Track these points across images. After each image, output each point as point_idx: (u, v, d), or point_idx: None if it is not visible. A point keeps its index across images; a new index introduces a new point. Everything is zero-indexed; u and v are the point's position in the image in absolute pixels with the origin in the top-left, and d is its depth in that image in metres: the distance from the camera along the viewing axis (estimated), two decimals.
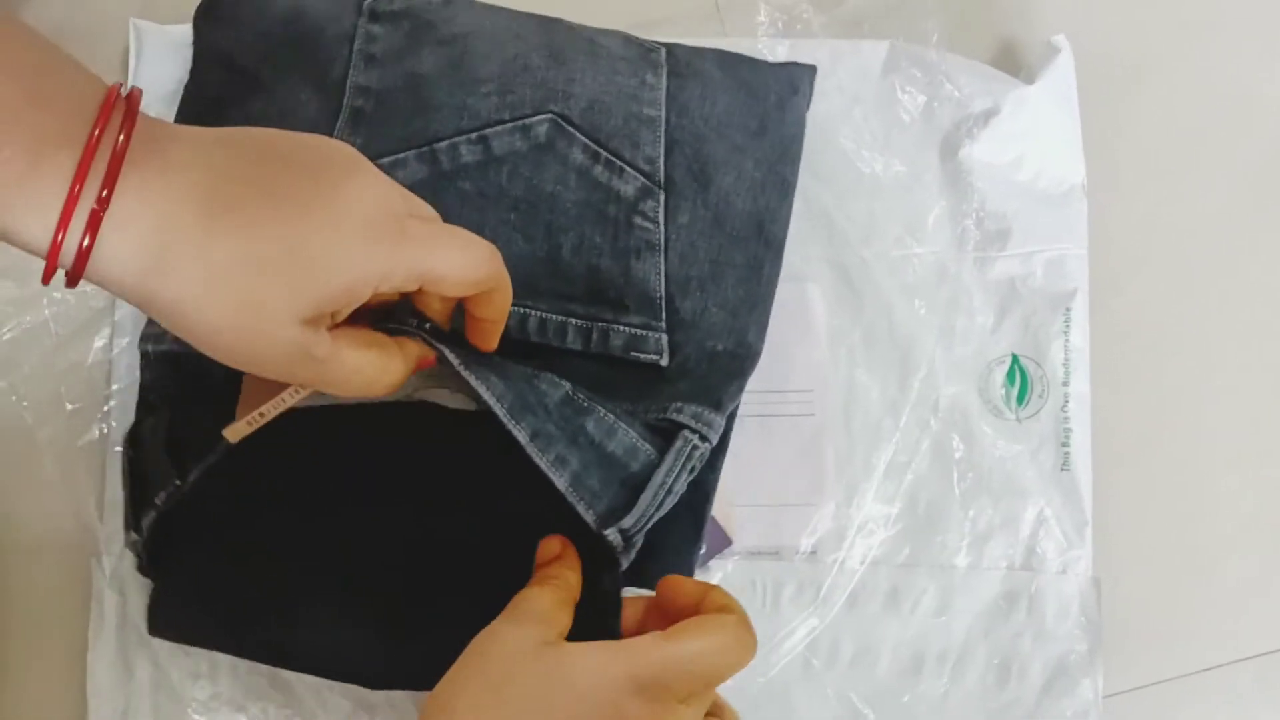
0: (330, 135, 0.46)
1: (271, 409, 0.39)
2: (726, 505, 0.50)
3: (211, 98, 0.49)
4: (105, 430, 0.50)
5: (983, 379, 0.53)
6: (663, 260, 0.47)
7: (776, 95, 0.51)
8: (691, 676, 0.36)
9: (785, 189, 0.50)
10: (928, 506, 0.52)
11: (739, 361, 0.47)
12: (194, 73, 0.50)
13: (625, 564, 0.42)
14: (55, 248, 0.29)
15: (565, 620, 0.39)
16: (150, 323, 0.45)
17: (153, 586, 0.46)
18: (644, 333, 0.46)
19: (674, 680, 0.35)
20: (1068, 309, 0.53)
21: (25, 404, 0.50)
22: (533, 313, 0.46)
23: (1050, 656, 0.51)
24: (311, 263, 0.32)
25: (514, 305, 0.43)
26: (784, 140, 0.50)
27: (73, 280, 0.30)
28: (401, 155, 0.46)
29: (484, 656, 0.37)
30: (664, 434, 0.44)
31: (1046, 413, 0.52)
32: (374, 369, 0.36)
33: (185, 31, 0.52)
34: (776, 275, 0.49)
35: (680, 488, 0.43)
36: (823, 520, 0.51)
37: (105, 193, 0.29)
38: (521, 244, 0.46)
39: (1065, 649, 0.51)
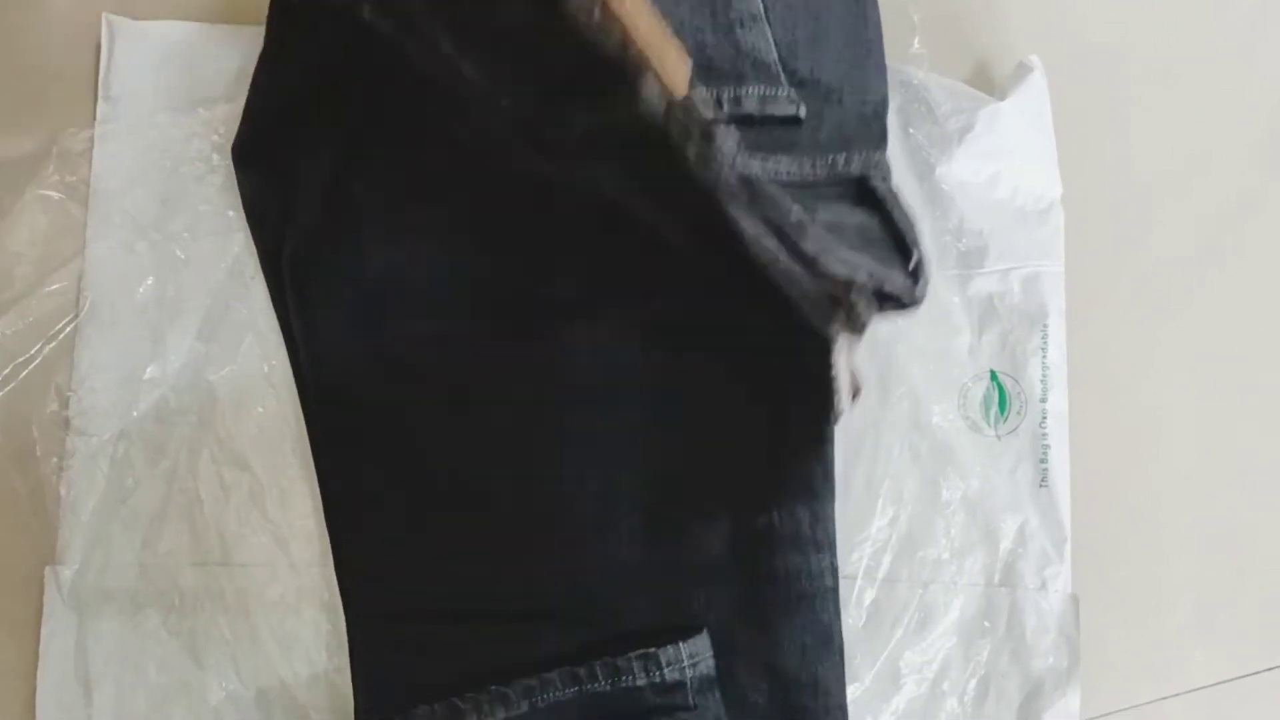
0: None
1: None
2: None
3: None
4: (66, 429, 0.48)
5: (962, 395, 0.53)
6: (768, 27, 0.46)
7: None
8: None
9: None
10: (908, 522, 0.52)
11: (870, 106, 0.48)
12: None
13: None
14: None
15: None
16: None
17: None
18: (772, 91, 0.46)
19: None
20: (1045, 326, 0.53)
21: None
22: None
23: (1029, 672, 0.51)
24: None
25: None
26: None
27: None
28: None
29: None
30: (861, 197, 0.45)
31: (1025, 429, 0.53)
32: None
33: (159, 27, 0.51)
34: (878, 16, 0.49)
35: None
36: None
37: None
38: None
39: (1044, 665, 0.51)
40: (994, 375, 0.53)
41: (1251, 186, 0.57)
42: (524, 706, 0.43)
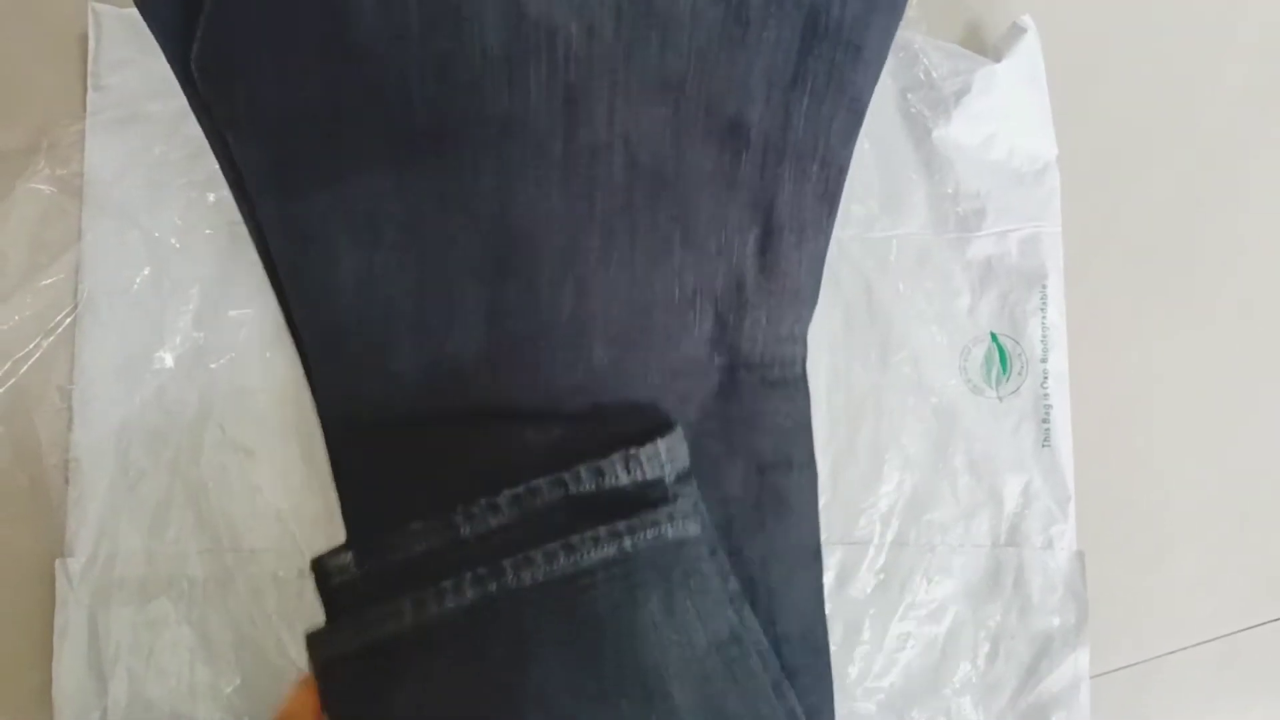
0: None
1: None
2: None
3: None
4: (69, 422, 0.48)
5: (963, 358, 0.53)
6: None
7: None
8: None
9: None
10: (913, 486, 0.52)
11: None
12: None
13: None
14: None
15: None
16: None
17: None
18: None
19: None
20: (1043, 286, 0.53)
21: None
22: None
23: (1037, 631, 0.51)
24: None
25: None
26: None
27: None
28: None
29: None
30: None
31: (1026, 390, 0.53)
32: None
33: None
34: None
35: None
36: None
37: None
38: None
39: (1052, 623, 0.51)
40: (994, 337, 0.53)
41: (1246, 142, 0.56)
42: (514, 514, 0.43)
